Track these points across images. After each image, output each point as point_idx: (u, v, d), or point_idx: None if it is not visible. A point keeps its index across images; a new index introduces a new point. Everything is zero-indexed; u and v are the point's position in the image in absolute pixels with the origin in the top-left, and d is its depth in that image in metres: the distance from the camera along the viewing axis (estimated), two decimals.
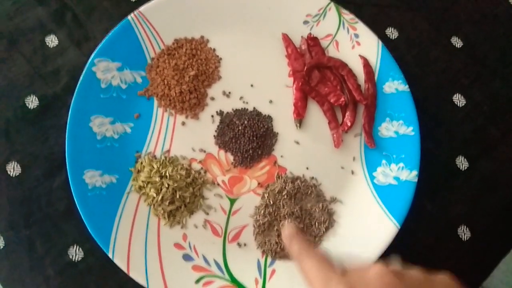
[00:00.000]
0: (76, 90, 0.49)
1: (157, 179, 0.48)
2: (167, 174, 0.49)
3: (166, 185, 0.48)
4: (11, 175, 0.50)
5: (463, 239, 0.52)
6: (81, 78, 0.50)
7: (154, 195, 0.47)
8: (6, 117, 0.52)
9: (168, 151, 0.51)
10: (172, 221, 0.48)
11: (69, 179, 0.46)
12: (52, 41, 0.55)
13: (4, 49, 0.54)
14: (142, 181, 0.48)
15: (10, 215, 0.49)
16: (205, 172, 0.50)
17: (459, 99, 0.57)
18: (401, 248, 0.43)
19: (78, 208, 0.46)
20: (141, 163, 0.50)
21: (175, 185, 0.48)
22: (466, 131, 0.56)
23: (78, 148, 0.48)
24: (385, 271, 0.31)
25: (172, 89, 0.52)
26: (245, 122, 0.52)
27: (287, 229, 0.41)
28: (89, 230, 0.45)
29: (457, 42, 0.59)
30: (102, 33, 0.55)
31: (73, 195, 0.46)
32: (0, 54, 0.54)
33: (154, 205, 0.48)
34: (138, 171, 0.49)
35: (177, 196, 0.48)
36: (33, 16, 0.56)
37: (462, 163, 0.55)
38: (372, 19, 0.58)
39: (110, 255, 0.45)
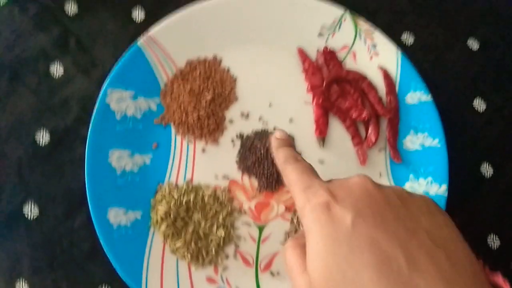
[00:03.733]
0: (91, 124, 0.47)
1: (179, 219, 0.47)
2: (190, 205, 0.47)
3: (191, 227, 0.46)
4: (29, 218, 0.48)
5: (493, 247, 0.52)
6: (95, 111, 0.47)
7: (178, 244, 0.46)
8: (17, 156, 0.50)
9: (191, 180, 0.49)
10: (203, 262, 0.46)
11: (93, 221, 0.45)
12: (57, 70, 0.53)
13: (7, 83, 0.52)
14: (161, 216, 0.46)
15: (33, 260, 0.47)
16: (231, 199, 0.49)
17: (479, 104, 0.56)
18: None
19: (105, 250, 0.44)
20: (161, 193, 0.48)
21: (202, 222, 0.47)
22: (489, 137, 0.55)
23: (99, 187, 0.46)
24: (367, 180, 0.30)
25: (189, 116, 0.50)
26: (267, 144, 0.50)
27: (276, 138, 0.41)
28: (119, 273, 0.44)
29: (473, 44, 0.58)
30: (109, 58, 0.53)
31: (99, 237, 0.45)
32: (4, 88, 0.51)
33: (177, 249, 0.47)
34: (159, 203, 0.48)
35: (202, 234, 0.47)
36: (35, 44, 0.53)
37: (487, 170, 0.54)
38: (386, 25, 0.56)
39: None
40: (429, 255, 0.26)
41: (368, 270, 0.25)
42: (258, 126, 0.51)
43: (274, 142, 0.42)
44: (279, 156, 0.39)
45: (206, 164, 0.50)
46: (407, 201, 0.29)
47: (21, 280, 0.47)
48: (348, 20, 0.53)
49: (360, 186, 0.30)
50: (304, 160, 0.37)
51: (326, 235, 0.28)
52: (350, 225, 0.27)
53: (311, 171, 0.35)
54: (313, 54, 0.54)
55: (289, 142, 0.42)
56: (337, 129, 0.52)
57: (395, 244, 0.26)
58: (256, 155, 0.50)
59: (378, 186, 0.30)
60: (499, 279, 0.27)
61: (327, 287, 0.26)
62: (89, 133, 0.47)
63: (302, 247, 0.30)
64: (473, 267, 0.27)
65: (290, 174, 0.35)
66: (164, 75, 0.51)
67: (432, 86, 0.53)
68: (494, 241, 0.52)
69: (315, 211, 0.29)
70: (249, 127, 0.51)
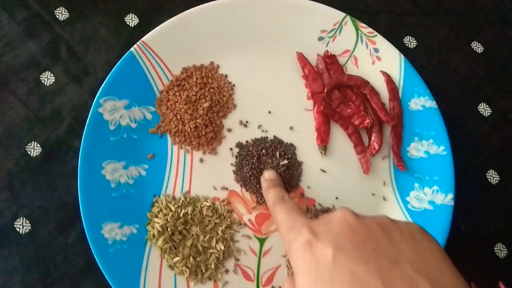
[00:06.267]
0: (83, 136, 0.45)
1: (177, 233, 0.45)
2: (188, 218, 0.46)
3: (189, 242, 0.45)
4: (21, 232, 0.46)
5: (500, 256, 0.51)
6: (87, 122, 0.45)
7: (175, 259, 0.44)
8: (7, 168, 0.48)
9: (188, 191, 0.48)
10: (202, 277, 0.45)
11: (87, 236, 0.43)
12: (48, 78, 0.51)
13: None
14: (158, 230, 0.45)
15: (25, 276, 0.45)
16: (230, 211, 0.47)
17: (484, 109, 0.55)
18: None
19: (100, 266, 0.43)
20: (158, 206, 0.46)
21: (200, 237, 0.45)
22: (494, 143, 0.54)
23: (92, 201, 0.44)
24: (348, 213, 0.31)
25: (186, 124, 0.48)
26: (263, 151, 0.48)
27: (266, 178, 0.45)
28: None
29: (477, 47, 0.56)
30: (102, 65, 0.51)
31: (93, 253, 0.43)
32: None
33: (174, 264, 0.45)
34: (156, 216, 0.46)
35: (200, 248, 0.45)
36: (25, 52, 0.51)
37: (493, 176, 0.53)
38: (388, 28, 0.55)
39: None
40: (411, 285, 0.26)
41: None
42: (258, 135, 0.50)
43: (263, 183, 0.45)
44: (269, 197, 0.41)
45: (204, 174, 0.48)
46: (389, 231, 0.29)
47: None
48: (349, 24, 0.52)
49: (341, 221, 0.30)
50: (291, 200, 0.40)
51: (309, 273, 0.28)
52: (331, 261, 0.27)
53: (296, 210, 0.36)
54: (313, 59, 0.52)
55: (278, 182, 0.45)
56: (339, 137, 0.51)
57: (376, 276, 0.26)
58: (253, 163, 0.48)
59: (360, 218, 0.30)
60: None
61: None
62: (81, 145, 0.45)
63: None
64: None
65: (278, 214, 0.37)
66: (159, 82, 0.49)
67: (435, 90, 0.51)
68: (501, 250, 0.51)
69: (298, 250, 0.30)
70: (249, 136, 0.50)
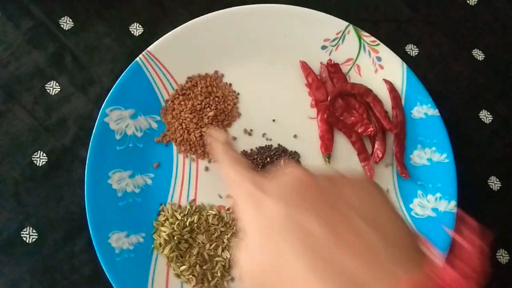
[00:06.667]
0: (90, 146, 0.45)
1: (183, 241, 0.45)
2: (194, 226, 0.46)
3: (195, 252, 0.45)
4: (27, 241, 0.46)
5: (502, 262, 0.51)
6: (94, 131, 0.46)
7: (181, 267, 0.45)
8: (13, 178, 0.48)
9: (194, 200, 0.48)
10: (208, 286, 0.45)
11: (95, 246, 0.43)
12: (53, 88, 0.51)
13: (2, 102, 0.50)
14: (165, 239, 0.45)
15: (33, 286, 0.45)
16: (236, 219, 0.48)
17: (485, 116, 0.55)
18: None
19: (108, 276, 0.43)
20: (164, 215, 0.47)
21: (206, 245, 0.45)
22: (496, 150, 0.54)
23: (99, 210, 0.44)
24: (298, 169, 0.30)
25: (191, 133, 0.49)
26: (268, 159, 0.49)
27: (212, 135, 0.42)
28: None
29: (478, 54, 0.57)
30: (107, 74, 0.52)
31: (101, 262, 0.43)
32: None
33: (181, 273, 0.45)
34: (162, 224, 0.46)
35: (207, 256, 0.45)
36: (29, 61, 0.51)
37: (494, 183, 0.53)
38: (390, 36, 0.56)
39: None
40: (355, 231, 0.26)
41: (297, 256, 0.25)
42: (262, 143, 0.50)
43: (211, 142, 0.43)
44: (215, 152, 0.40)
45: (210, 183, 0.48)
46: (338, 184, 0.29)
47: None
48: (352, 33, 0.52)
49: (291, 177, 0.30)
50: (237, 154, 0.38)
51: (254, 228, 0.28)
52: (277, 216, 0.27)
53: (242, 165, 0.35)
54: (316, 67, 0.53)
55: (225, 138, 0.42)
56: (343, 145, 0.51)
57: (321, 224, 0.26)
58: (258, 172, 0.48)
59: (311, 174, 0.30)
60: (428, 245, 0.26)
61: (256, 278, 0.28)
62: (88, 154, 0.45)
63: None
64: (403, 239, 0.27)
65: (223, 169, 0.36)
66: (164, 92, 0.50)
67: (437, 97, 0.52)
68: (503, 255, 0.51)
69: (243, 204, 0.30)
70: (253, 144, 0.50)
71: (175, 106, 0.50)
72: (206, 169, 0.49)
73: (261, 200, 0.29)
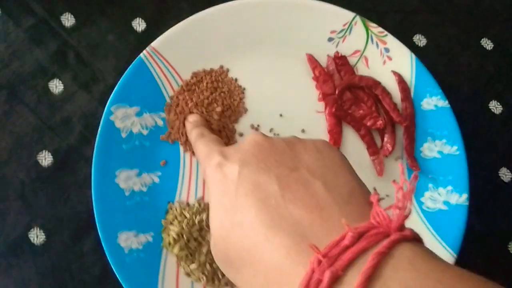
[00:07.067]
0: (95, 145, 0.45)
1: (192, 240, 0.45)
2: (203, 225, 0.45)
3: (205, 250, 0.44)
4: (35, 243, 0.46)
5: None
6: (99, 130, 0.45)
7: (192, 266, 0.44)
8: (19, 178, 0.47)
9: (202, 197, 0.47)
10: (219, 284, 0.45)
11: (103, 246, 0.43)
12: (56, 86, 0.50)
13: (5, 101, 0.49)
14: (174, 237, 0.45)
15: (42, 287, 0.45)
16: None
17: (495, 106, 0.54)
18: None
19: (118, 276, 0.42)
20: (173, 213, 0.46)
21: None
22: (506, 141, 0.53)
23: (107, 210, 0.44)
24: (257, 134, 0.33)
25: None
26: None
27: (190, 121, 0.46)
28: None
29: (487, 43, 0.56)
30: (111, 71, 0.51)
31: (110, 262, 0.42)
32: (1, 107, 0.49)
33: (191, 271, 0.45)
34: (171, 223, 0.46)
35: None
36: (32, 59, 0.50)
37: (505, 174, 0.53)
38: (397, 27, 0.55)
39: None
40: (305, 186, 0.27)
41: (251, 209, 0.27)
42: None
43: (187, 126, 0.46)
44: (191, 136, 0.43)
45: None
46: (294, 145, 0.31)
47: None
48: (359, 24, 0.51)
49: (250, 141, 0.32)
50: (210, 134, 0.42)
51: (218, 191, 0.30)
52: (236, 175, 0.29)
53: (213, 141, 0.38)
54: (323, 60, 0.52)
55: (200, 122, 0.45)
56: (352, 139, 0.50)
57: (274, 182, 0.28)
58: None
59: (269, 138, 0.32)
60: (374, 197, 0.26)
61: (221, 238, 0.29)
62: (94, 154, 0.44)
63: None
64: (355, 197, 0.27)
65: (197, 148, 0.39)
66: (169, 88, 0.49)
67: (446, 88, 0.51)
68: None
69: (210, 173, 0.32)
70: None
71: (179, 101, 0.49)
72: None
73: (222, 165, 0.31)
